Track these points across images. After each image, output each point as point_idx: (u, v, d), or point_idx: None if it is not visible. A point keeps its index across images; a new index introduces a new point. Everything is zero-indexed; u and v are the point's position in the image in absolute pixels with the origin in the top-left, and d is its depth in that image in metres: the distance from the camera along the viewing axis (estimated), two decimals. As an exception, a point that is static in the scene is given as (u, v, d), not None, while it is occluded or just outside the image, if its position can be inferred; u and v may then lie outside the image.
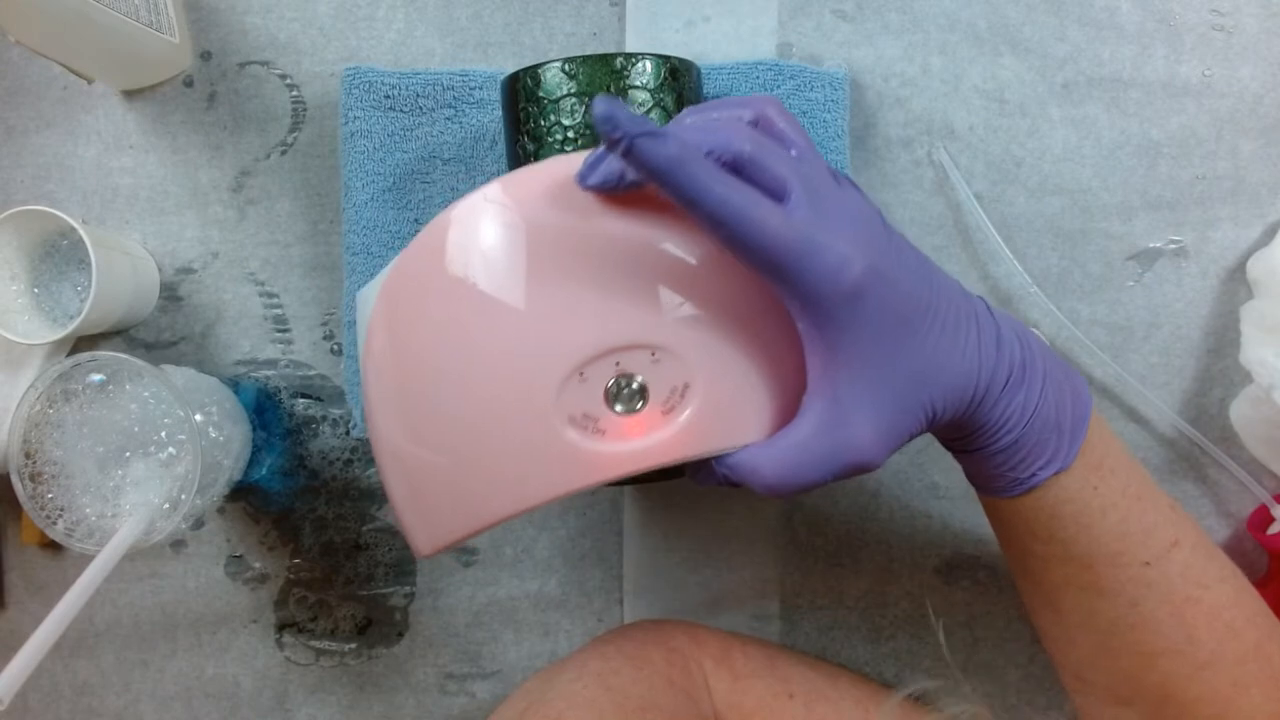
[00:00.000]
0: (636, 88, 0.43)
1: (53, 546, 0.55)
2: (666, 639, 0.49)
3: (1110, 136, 0.54)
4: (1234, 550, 0.54)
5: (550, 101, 0.43)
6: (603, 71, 0.43)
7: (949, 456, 0.54)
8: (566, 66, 0.43)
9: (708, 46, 0.55)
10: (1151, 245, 0.54)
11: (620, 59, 0.43)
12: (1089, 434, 0.39)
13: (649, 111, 0.43)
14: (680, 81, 0.45)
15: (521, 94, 0.44)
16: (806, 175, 0.33)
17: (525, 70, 0.44)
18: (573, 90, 0.43)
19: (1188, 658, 0.39)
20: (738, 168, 0.33)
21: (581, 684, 0.44)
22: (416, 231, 0.52)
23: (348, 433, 0.55)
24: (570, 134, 0.43)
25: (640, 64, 0.44)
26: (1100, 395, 0.54)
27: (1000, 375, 0.36)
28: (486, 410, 0.34)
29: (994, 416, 0.36)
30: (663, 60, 0.44)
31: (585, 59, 0.43)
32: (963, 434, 0.38)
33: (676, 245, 0.35)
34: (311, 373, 0.56)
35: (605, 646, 0.48)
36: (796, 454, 0.34)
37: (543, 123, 0.43)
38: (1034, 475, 0.38)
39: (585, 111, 0.43)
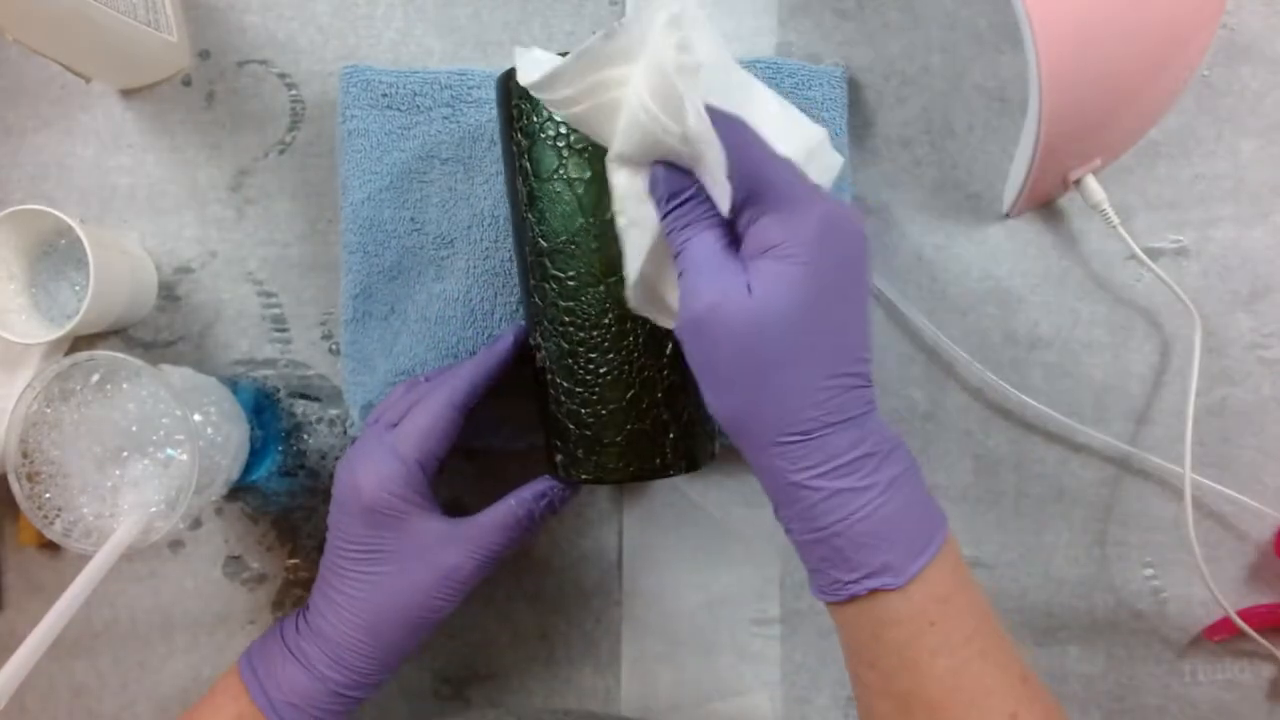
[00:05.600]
0: (635, 86, 0.43)
1: (50, 546, 0.55)
2: None
3: (1111, 135, 0.54)
4: (1262, 569, 0.54)
5: (545, 98, 0.43)
6: None
7: (950, 457, 0.54)
8: None
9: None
10: (1152, 245, 0.54)
11: (619, 57, 0.43)
12: (940, 565, 0.36)
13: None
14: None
15: (515, 90, 0.44)
16: (745, 228, 0.36)
17: (521, 68, 0.44)
18: None
19: None
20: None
21: None
22: (414, 231, 0.52)
23: (345, 432, 0.55)
24: (563, 129, 0.42)
25: (639, 62, 0.43)
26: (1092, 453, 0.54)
27: (833, 456, 0.35)
28: None
29: (804, 491, 0.35)
30: (662, 59, 0.44)
31: None
32: (776, 492, 0.36)
33: None
34: (310, 372, 0.55)
35: None
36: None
37: (535, 119, 0.43)
38: (857, 582, 0.35)
39: None
